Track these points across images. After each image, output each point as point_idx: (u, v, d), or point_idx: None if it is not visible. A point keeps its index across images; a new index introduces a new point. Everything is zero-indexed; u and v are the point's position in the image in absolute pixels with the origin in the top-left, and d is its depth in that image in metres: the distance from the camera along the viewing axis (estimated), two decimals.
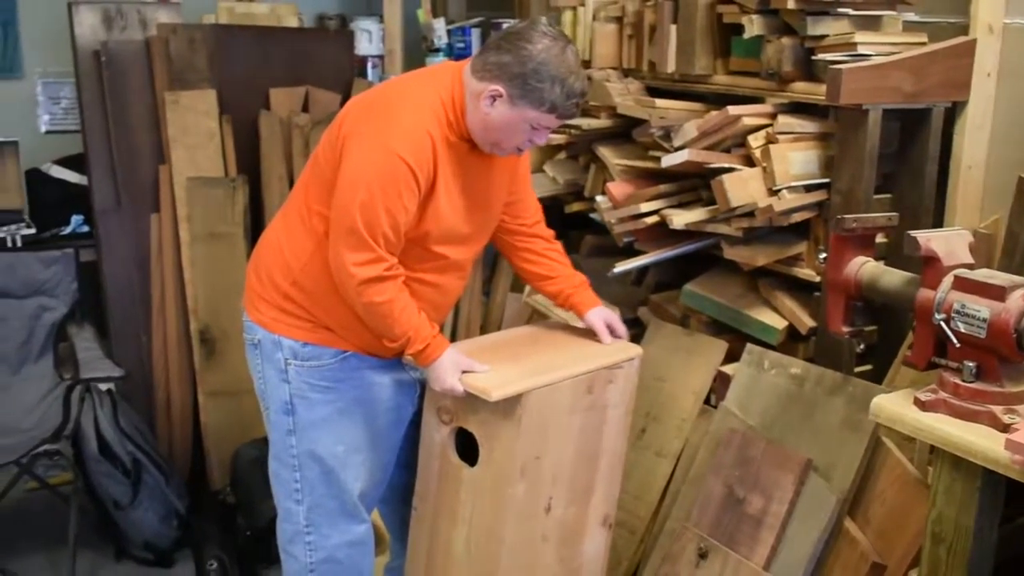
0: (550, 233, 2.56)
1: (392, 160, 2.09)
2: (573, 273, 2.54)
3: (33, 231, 3.69)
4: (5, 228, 3.65)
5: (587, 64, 3.17)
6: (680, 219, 2.59)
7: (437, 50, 4.03)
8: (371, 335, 2.29)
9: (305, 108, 3.73)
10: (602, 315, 2.48)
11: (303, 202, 2.29)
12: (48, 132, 4.25)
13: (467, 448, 2.34)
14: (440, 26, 4.01)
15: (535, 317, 3.27)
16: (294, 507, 2.41)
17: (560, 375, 2.31)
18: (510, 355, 2.38)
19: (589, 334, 2.50)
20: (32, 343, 3.35)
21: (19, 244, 3.59)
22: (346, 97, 3.82)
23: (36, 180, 3.91)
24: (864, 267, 2.12)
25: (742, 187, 2.49)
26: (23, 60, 4.22)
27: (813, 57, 2.51)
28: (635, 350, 2.48)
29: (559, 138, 3.12)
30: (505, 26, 3.82)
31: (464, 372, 2.25)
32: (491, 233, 2.45)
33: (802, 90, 2.53)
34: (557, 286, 2.52)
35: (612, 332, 2.47)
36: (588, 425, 2.40)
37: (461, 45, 3.98)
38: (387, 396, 2.40)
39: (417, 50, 4.11)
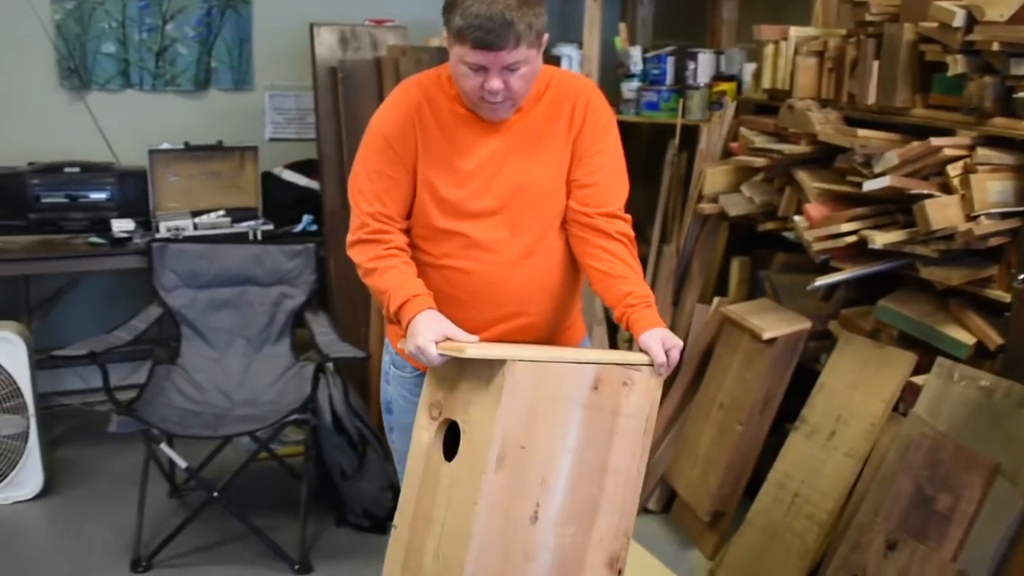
0: (619, 230, 2.24)
1: (370, 133, 2.21)
2: (639, 282, 2.21)
3: (271, 227, 4.13)
4: (246, 223, 4.10)
5: (788, 94, 3.44)
6: (881, 239, 2.83)
7: (632, 76, 4.33)
8: None
9: None
10: (660, 337, 2.11)
11: None
12: (271, 139, 4.70)
13: (454, 449, 2.09)
14: (636, 53, 4.32)
15: (725, 327, 3.53)
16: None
17: (557, 357, 2.05)
18: (513, 347, 2.12)
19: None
20: (273, 326, 3.77)
21: (259, 238, 4.02)
22: None
23: (268, 182, 4.35)
24: None
25: (942, 212, 2.71)
26: (255, 74, 4.70)
27: (1014, 95, 2.73)
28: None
29: (760, 162, 3.39)
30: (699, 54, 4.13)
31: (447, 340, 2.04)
32: (542, 213, 2.24)
33: (1002, 125, 2.74)
34: (617, 290, 2.19)
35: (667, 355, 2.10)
36: (593, 429, 2.07)
37: (656, 72, 4.26)
38: None
39: (613, 75, 4.41)
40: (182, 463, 3.35)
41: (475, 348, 1.99)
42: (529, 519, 2.03)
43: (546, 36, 2.12)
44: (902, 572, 2.63)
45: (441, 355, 2.01)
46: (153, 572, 3.31)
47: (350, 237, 2.21)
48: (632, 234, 2.27)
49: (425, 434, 2.13)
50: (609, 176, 2.27)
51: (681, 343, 2.14)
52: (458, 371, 2.05)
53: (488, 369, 1.97)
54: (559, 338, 2.37)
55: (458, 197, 2.18)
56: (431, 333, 2.02)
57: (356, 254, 2.19)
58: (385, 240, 2.18)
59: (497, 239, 2.21)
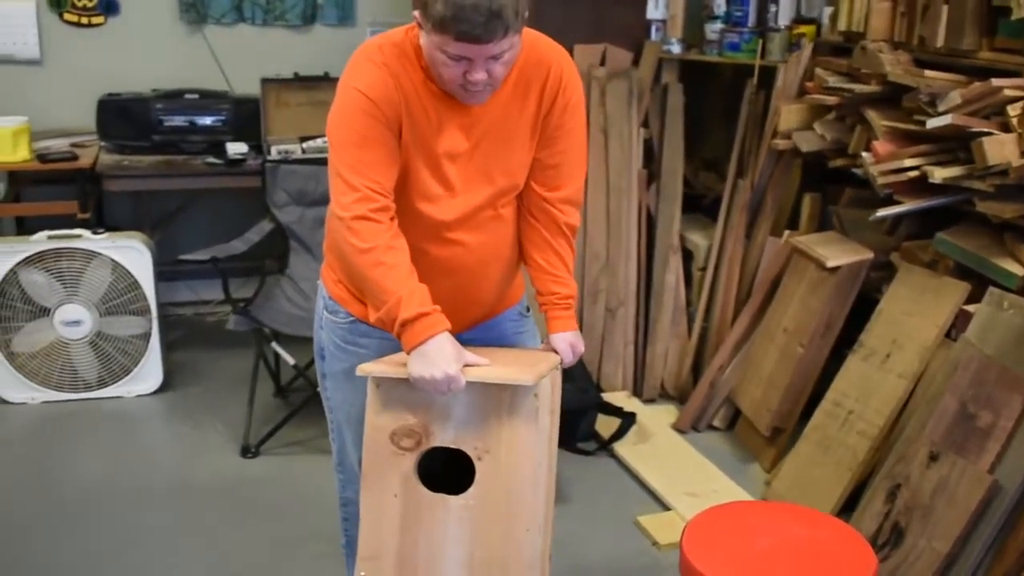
0: (568, 222, 2.24)
1: (351, 94, 1.98)
2: (568, 281, 2.26)
3: None
4: None
5: (862, 36, 3.61)
6: (940, 173, 3.02)
7: (716, 17, 4.49)
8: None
9: (602, 63, 4.30)
10: (570, 341, 2.24)
11: None
12: None
13: (428, 479, 2.00)
14: None
15: (793, 257, 3.75)
16: (331, 443, 2.47)
17: (542, 368, 2.01)
18: (501, 355, 2.11)
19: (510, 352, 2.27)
20: None
21: None
22: (637, 55, 4.37)
23: None
24: None
25: (999, 149, 2.89)
26: (358, 11, 4.99)
27: None
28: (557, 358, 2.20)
29: (832, 100, 3.58)
30: None
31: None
32: (505, 195, 2.18)
33: None
34: (547, 286, 2.25)
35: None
36: (552, 432, 2.10)
37: (739, 14, 4.40)
38: None
39: (698, 16, 4.58)
40: (290, 360, 3.70)
41: (522, 371, 1.95)
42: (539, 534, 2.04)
43: (526, 12, 1.94)
44: (941, 481, 2.86)
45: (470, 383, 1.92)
46: (260, 459, 3.68)
47: (349, 212, 1.97)
48: (577, 224, 2.26)
49: (393, 469, 1.96)
50: (573, 158, 2.21)
51: (583, 349, 2.26)
52: (456, 395, 1.94)
53: (511, 391, 1.91)
54: (503, 302, 2.34)
55: (427, 177, 2.07)
56: (456, 361, 1.93)
57: (361, 236, 1.96)
58: (390, 224, 1.99)
59: (457, 221, 2.12)
